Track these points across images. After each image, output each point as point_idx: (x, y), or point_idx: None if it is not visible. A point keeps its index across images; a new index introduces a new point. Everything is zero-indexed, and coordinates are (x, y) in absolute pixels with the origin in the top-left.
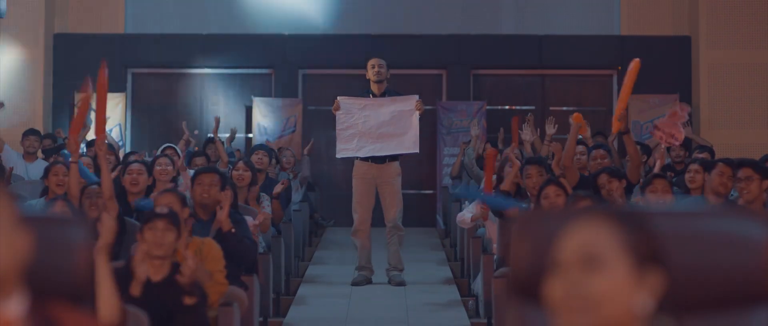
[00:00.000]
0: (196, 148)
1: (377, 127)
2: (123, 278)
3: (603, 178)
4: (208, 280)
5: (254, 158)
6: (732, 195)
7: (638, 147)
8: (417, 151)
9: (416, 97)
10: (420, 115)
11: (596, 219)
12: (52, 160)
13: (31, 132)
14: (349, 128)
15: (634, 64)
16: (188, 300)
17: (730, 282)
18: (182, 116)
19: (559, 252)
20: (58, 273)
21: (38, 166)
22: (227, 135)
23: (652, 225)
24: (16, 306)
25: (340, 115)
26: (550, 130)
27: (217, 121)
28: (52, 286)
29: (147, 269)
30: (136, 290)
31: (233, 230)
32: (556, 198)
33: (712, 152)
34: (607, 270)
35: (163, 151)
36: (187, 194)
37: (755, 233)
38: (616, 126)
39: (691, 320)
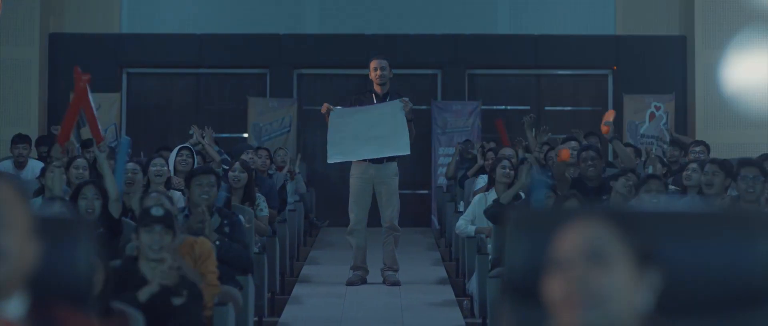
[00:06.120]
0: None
1: (367, 129)
2: (122, 278)
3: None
4: (198, 282)
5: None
6: (731, 193)
7: (631, 149)
8: (408, 152)
9: (404, 99)
10: (408, 115)
11: (596, 218)
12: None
13: (19, 139)
14: (340, 132)
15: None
16: (176, 302)
17: (729, 282)
18: (178, 116)
19: (561, 250)
20: (59, 275)
21: (28, 172)
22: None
23: (650, 225)
24: (16, 307)
25: (332, 120)
26: (542, 138)
27: (197, 129)
28: (53, 287)
29: (162, 276)
30: (145, 295)
31: (217, 243)
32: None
33: (707, 146)
34: (612, 266)
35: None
36: (179, 194)
37: (755, 233)
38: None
39: (689, 321)
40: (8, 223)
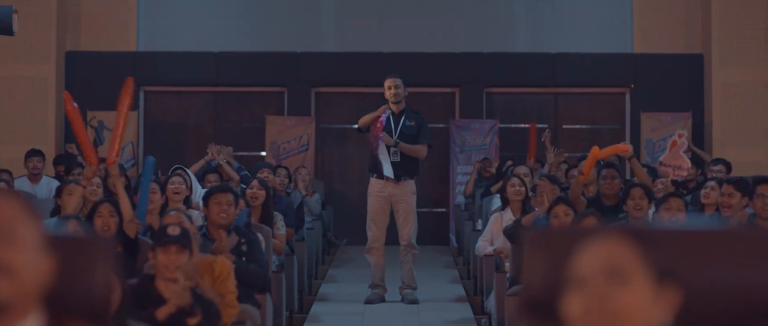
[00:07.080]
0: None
1: (377, 147)
2: (139, 296)
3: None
4: (219, 302)
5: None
6: (747, 210)
7: (645, 169)
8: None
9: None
10: (388, 143)
11: (615, 235)
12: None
13: (33, 153)
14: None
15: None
16: (191, 321)
17: (747, 301)
18: (195, 134)
19: (579, 268)
20: (76, 293)
21: (43, 187)
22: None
23: (668, 242)
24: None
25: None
26: (560, 158)
27: (213, 148)
28: (70, 306)
29: (176, 296)
30: (163, 314)
31: (234, 264)
32: (566, 218)
33: (727, 165)
34: (632, 284)
35: (173, 171)
36: (197, 212)
37: None
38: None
39: None
40: (16, 240)
